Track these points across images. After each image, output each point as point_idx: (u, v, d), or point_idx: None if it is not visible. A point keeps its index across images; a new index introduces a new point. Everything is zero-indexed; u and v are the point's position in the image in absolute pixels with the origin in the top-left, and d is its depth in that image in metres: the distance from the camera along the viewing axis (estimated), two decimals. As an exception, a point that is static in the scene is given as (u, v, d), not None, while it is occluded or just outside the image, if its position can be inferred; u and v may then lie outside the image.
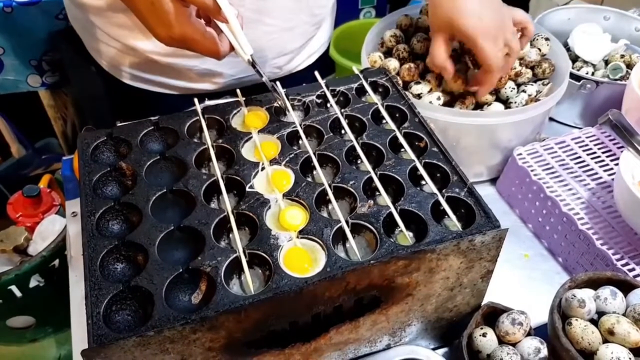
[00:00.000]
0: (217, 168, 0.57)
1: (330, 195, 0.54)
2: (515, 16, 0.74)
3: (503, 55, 0.70)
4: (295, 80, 0.72)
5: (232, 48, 0.62)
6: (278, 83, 0.65)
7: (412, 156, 0.59)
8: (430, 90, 0.80)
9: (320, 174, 0.56)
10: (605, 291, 0.56)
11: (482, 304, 0.60)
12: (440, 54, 0.72)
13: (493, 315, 0.59)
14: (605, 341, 0.53)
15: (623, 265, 0.64)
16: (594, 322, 0.55)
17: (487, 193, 0.82)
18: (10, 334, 1.16)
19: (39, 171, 1.77)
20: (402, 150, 0.61)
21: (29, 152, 1.74)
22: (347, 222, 0.52)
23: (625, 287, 0.57)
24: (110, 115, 0.88)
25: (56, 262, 1.09)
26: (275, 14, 0.76)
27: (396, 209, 0.53)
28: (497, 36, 0.69)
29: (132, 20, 0.73)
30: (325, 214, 0.55)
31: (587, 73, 0.92)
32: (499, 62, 0.69)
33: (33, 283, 1.08)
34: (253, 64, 0.62)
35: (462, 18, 0.67)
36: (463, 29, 0.68)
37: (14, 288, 1.06)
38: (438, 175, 0.58)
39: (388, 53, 0.85)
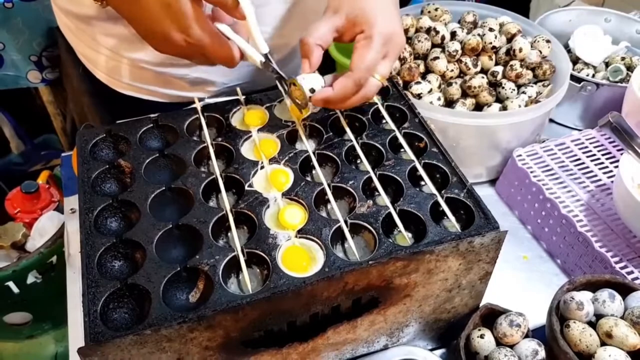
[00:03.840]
0: (216, 166, 0.57)
1: (330, 195, 0.54)
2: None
3: (378, 66, 0.58)
4: None
5: (241, 55, 0.58)
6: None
7: (412, 156, 0.59)
8: (431, 91, 0.79)
9: (320, 174, 0.56)
10: (604, 294, 0.56)
11: (480, 305, 0.59)
12: (322, 28, 0.59)
13: (491, 316, 0.58)
14: (603, 344, 0.53)
15: (622, 268, 0.64)
16: (592, 324, 0.55)
17: (486, 194, 0.82)
18: (7, 330, 1.16)
19: (37, 167, 1.77)
20: (402, 150, 0.60)
21: (28, 147, 1.74)
22: (346, 222, 0.52)
23: (624, 290, 0.57)
24: (105, 115, 0.87)
25: (54, 258, 1.09)
26: (267, 21, 0.74)
27: (395, 209, 0.53)
28: (391, 43, 0.58)
29: (122, 30, 0.71)
30: (324, 214, 0.55)
31: (587, 75, 0.92)
32: (368, 68, 0.57)
33: (30, 279, 1.08)
34: (268, 61, 0.58)
35: (376, 9, 0.58)
36: (365, 8, 0.57)
37: (11, 284, 1.06)
38: (437, 176, 0.58)
39: (389, 53, 0.84)
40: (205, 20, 0.54)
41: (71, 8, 0.73)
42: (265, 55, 0.58)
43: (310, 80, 0.58)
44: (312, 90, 0.58)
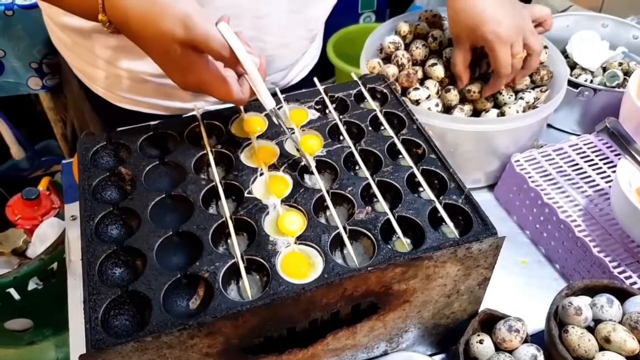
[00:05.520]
0: (215, 173, 0.57)
1: (328, 201, 0.55)
2: (534, 13, 0.78)
3: (520, 60, 0.74)
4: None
5: (253, 93, 0.58)
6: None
7: (410, 163, 0.59)
8: (429, 97, 0.80)
9: (319, 180, 0.57)
10: (602, 299, 0.56)
11: (479, 310, 0.60)
12: (459, 63, 0.77)
13: (490, 321, 0.59)
14: (601, 349, 0.53)
15: (620, 273, 0.65)
16: (591, 329, 0.55)
17: (484, 199, 0.83)
18: (8, 336, 1.16)
19: (38, 173, 1.77)
20: (400, 156, 0.61)
21: (28, 154, 1.75)
22: (344, 228, 0.52)
23: (622, 294, 0.57)
24: (105, 122, 0.86)
25: (55, 265, 1.09)
26: (272, 31, 0.74)
27: (394, 215, 0.53)
28: (515, 40, 0.72)
29: (121, 42, 0.70)
30: (323, 220, 0.55)
31: (585, 80, 0.93)
32: (508, 68, 0.73)
33: (31, 286, 1.08)
34: (276, 115, 0.58)
35: (481, 25, 0.71)
36: (483, 36, 0.71)
37: (12, 291, 1.06)
38: (436, 182, 0.58)
39: (387, 59, 0.85)
40: (203, 64, 0.55)
41: (69, 22, 0.72)
42: (273, 110, 0.58)
43: None
44: None
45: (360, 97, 0.69)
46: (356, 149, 0.60)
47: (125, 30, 0.55)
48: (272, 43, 0.75)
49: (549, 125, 0.95)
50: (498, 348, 0.57)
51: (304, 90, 0.69)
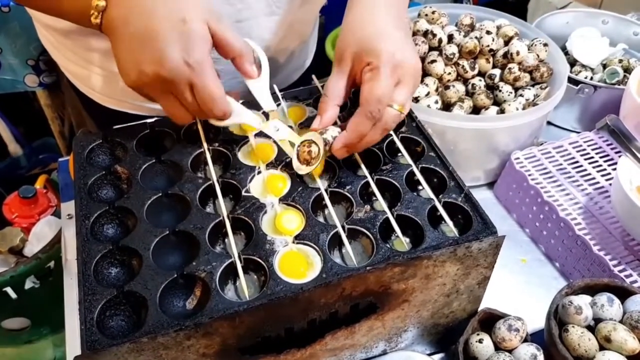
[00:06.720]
0: (213, 172, 0.56)
1: (327, 200, 0.54)
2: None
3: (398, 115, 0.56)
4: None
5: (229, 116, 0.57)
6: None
7: (409, 161, 0.58)
8: (428, 94, 0.79)
9: (317, 179, 0.56)
10: (602, 298, 0.56)
11: (479, 309, 0.59)
12: (332, 87, 0.58)
13: (490, 320, 0.58)
14: (602, 348, 0.53)
15: (620, 272, 0.64)
16: (591, 329, 0.55)
17: (484, 197, 0.82)
18: (5, 335, 1.16)
19: (36, 171, 1.76)
20: (399, 154, 0.60)
21: (25, 151, 1.74)
22: (343, 227, 0.52)
23: (622, 293, 0.57)
24: (102, 119, 0.86)
25: (52, 263, 1.09)
26: (255, 34, 0.72)
27: (393, 214, 0.53)
28: (402, 68, 0.55)
29: (103, 44, 0.69)
30: (321, 219, 0.55)
31: (585, 77, 0.92)
32: (378, 104, 0.54)
33: (28, 284, 1.08)
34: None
35: (375, 39, 0.56)
36: (372, 51, 0.55)
37: (9, 289, 1.06)
38: (435, 180, 0.58)
39: (386, 56, 0.84)
40: (209, 51, 0.52)
41: (50, 21, 0.71)
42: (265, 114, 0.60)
43: (327, 134, 0.56)
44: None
45: (359, 95, 0.68)
46: (355, 147, 0.60)
47: (122, 6, 0.50)
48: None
49: (549, 123, 0.95)
50: (498, 347, 0.56)
51: (301, 88, 0.68)
